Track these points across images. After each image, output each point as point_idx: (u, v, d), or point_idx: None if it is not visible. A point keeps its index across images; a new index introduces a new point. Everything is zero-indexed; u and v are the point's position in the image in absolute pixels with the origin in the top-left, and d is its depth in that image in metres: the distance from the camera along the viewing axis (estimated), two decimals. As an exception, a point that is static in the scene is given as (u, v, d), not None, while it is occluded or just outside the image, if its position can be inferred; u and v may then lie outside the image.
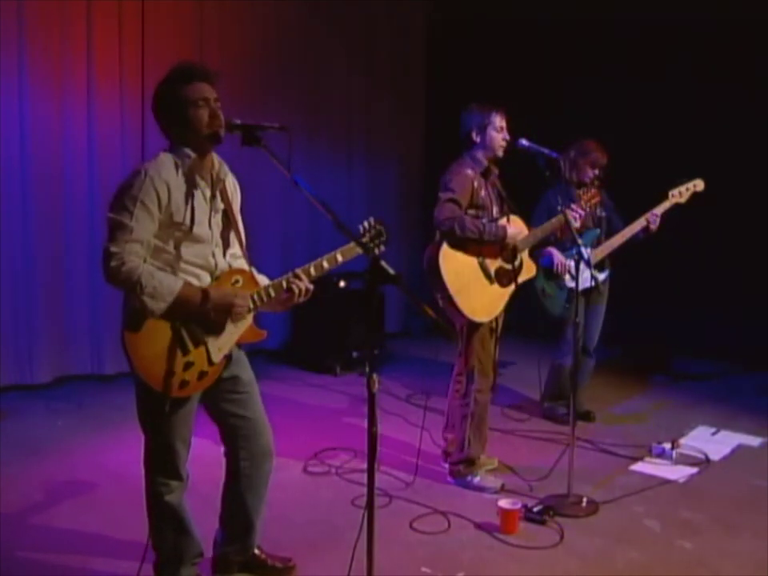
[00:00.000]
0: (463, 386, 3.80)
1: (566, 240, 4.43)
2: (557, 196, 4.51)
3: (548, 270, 4.58)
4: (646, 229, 4.57)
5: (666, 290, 6.50)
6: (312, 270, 2.61)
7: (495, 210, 3.79)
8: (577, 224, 3.89)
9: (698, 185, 4.54)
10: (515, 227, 3.71)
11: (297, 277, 2.58)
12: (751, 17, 5.90)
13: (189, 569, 2.75)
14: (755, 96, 6.08)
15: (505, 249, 3.72)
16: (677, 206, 4.53)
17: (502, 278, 3.75)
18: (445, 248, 3.61)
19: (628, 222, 4.62)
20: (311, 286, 2.60)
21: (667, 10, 6.17)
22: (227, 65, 5.81)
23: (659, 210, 4.54)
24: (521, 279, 3.84)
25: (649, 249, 4.81)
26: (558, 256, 4.53)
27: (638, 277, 6.10)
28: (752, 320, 6.16)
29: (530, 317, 4.73)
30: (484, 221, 3.66)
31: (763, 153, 6.13)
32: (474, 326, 3.72)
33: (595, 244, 4.61)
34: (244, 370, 2.73)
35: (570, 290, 4.60)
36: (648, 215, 4.54)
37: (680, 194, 4.53)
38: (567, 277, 4.57)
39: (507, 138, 3.71)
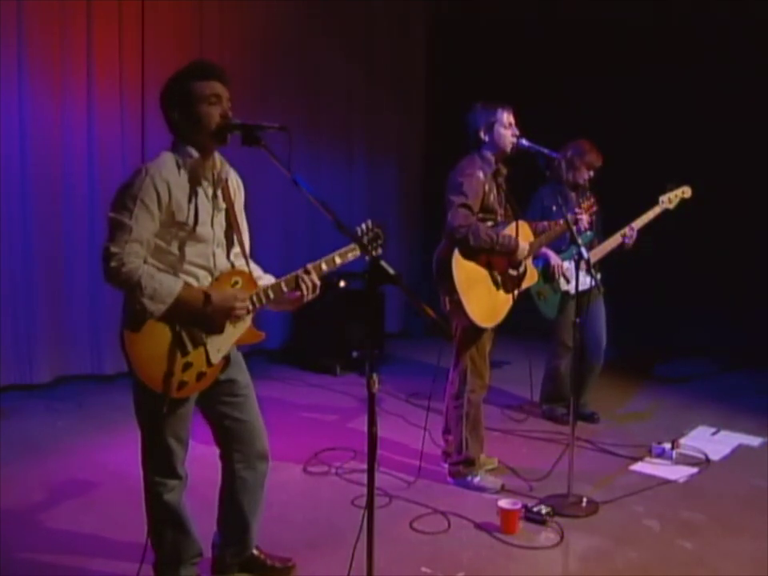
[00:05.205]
0: (456, 387, 3.80)
1: (561, 241, 4.42)
2: (550, 196, 4.52)
3: (544, 272, 4.57)
4: (621, 245, 4.57)
5: (663, 291, 6.52)
6: (324, 266, 2.62)
7: (502, 212, 3.77)
8: (583, 228, 3.92)
9: (686, 191, 4.56)
10: (524, 242, 3.69)
11: (306, 272, 2.58)
12: (748, 19, 5.93)
13: (188, 569, 2.75)
14: (750, 95, 6.11)
15: (513, 260, 3.71)
16: (666, 211, 4.54)
17: (508, 283, 3.75)
18: (457, 254, 3.59)
19: (618, 224, 4.60)
20: (318, 282, 2.60)
21: (670, 10, 6.19)
22: (227, 65, 5.76)
23: (644, 219, 4.54)
24: (524, 285, 3.85)
25: (643, 250, 4.80)
26: (554, 258, 4.53)
27: (634, 277, 6.11)
28: (750, 319, 6.18)
29: (525, 317, 4.74)
30: (497, 229, 3.64)
31: (747, 155, 6.16)
32: (472, 329, 3.71)
33: (588, 247, 4.59)
34: (241, 372, 2.73)
35: (564, 293, 4.61)
36: (626, 229, 4.53)
37: (669, 201, 4.53)
38: (562, 280, 4.57)
39: (517, 133, 3.66)
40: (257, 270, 2.75)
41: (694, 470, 4.08)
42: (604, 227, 4.71)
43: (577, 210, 3.98)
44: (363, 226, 2.69)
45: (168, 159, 2.48)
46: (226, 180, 2.61)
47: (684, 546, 3.26)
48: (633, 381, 5.91)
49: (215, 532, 2.90)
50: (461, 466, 3.83)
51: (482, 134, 3.68)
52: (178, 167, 2.47)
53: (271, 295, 2.57)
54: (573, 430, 3.64)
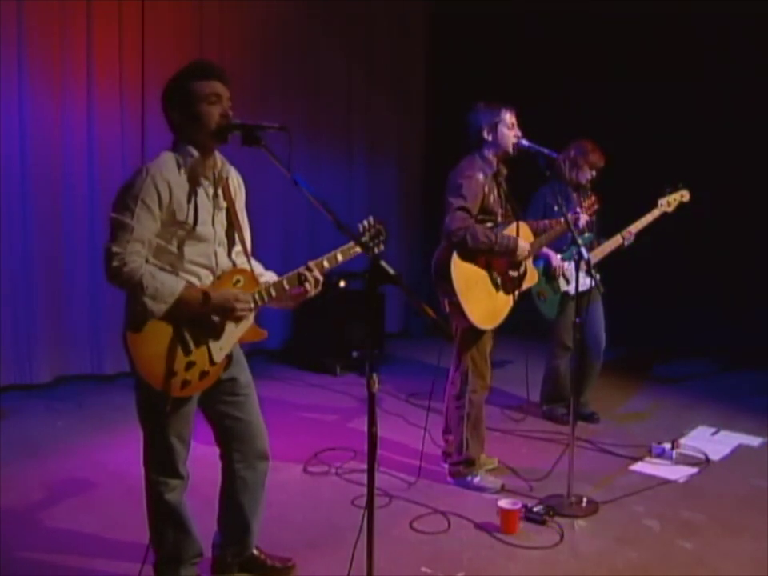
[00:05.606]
0: (458, 387, 3.80)
1: (561, 241, 4.41)
2: (552, 195, 4.52)
3: (545, 272, 4.57)
4: (620, 246, 4.57)
5: (662, 290, 6.52)
6: (326, 263, 2.62)
7: (502, 213, 3.76)
8: (582, 227, 3.92)
9: (685, 195, 4.56)
10: (525, 242, 3.67)
11: (309, 269, 2.58)
12: (748, 19, 5.93)
13: (188, 568, 2.75)
14: (750, 96, 6.10)
15: (514, 260, 3.71)
16: (664, 215, 4.54)
17: (508, 285, 3.75)
18: (455, 256, 3.58)
19: (617, 226, 4.60)
20: (321, 277, 2.60)
21: (671, 10, 6.19)
22: (227, 65, 5.78)
23: (643, 222, 4.54)
24: (525, 286, 3.84)
25: (645, 247, 4.80)
26: (556, 259, 4.52)
27: (634, 277, 6.11)
28: (750, 319, 6.18)
29: (525, 317, 4.74)
30: (496, 229, 3.63)
31: (747, 155, 6.15)
32: (471, 331, 3.70)
33: (588, 249, 4.59)
34: (243, 372, 2.73)
35: (564, 293, 4.61)
36: (624, 233, 4.54)
37: (668, 204, 4.54)
38: (562, 281, 4.57)
39: (519, 134, 3.65)
40: (258, 268, 2.75)
41: (694, 470, 4.08)
42: (602, 229, 4.71)
43: (577, 209, 3.97)
44: (365, 222, 2.69)
45: (168, 159, 2.48)
46: (227, 179, 2.62)
47: (684, 546, 3.26)
48: (633, 381, 5.90)
49: (215, 532, 2.90)
50: (461, 466, 3.83)
51: (484, 134, 3.66)
52: (179, 167, 2.47)
53: (273, 293, 2.57)
54: (573, 430, 3.64)
